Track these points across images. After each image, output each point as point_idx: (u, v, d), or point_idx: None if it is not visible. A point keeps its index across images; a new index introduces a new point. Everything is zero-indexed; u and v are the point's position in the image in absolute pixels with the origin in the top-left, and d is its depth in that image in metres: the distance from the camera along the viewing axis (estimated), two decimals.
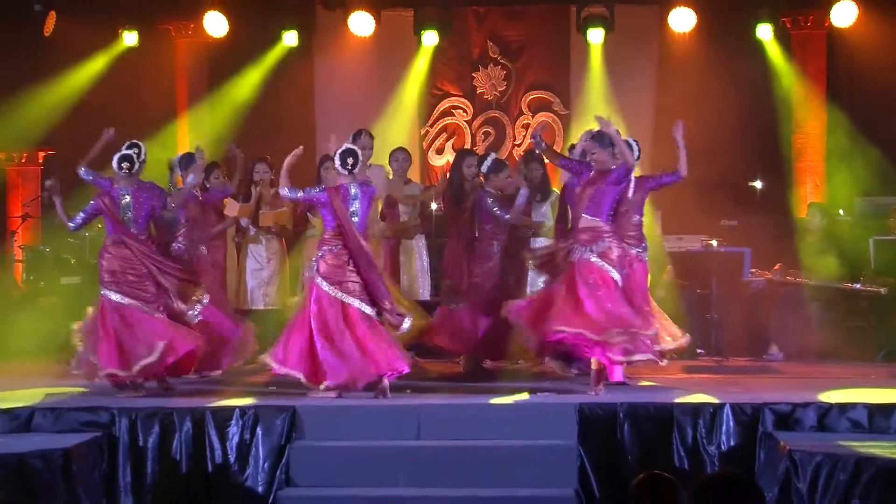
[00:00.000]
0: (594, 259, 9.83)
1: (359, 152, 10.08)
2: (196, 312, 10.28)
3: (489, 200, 11.16)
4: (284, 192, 10.13)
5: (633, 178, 10.15)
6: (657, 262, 12.44)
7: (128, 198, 10.34)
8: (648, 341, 9.74)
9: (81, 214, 10.60)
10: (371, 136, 11.79)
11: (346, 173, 9.97)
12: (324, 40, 15.77)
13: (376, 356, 9.74)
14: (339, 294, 9.83)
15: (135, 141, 10.69)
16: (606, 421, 9.04)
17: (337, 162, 10.01)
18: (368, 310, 9.84)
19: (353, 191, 9.94)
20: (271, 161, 12.52)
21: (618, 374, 10.06)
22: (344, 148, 10.06)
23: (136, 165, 10.43)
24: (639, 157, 10.52)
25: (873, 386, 10.20)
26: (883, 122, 14.92)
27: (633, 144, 10.37)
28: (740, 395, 9.48)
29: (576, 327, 9.67)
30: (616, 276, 9.84)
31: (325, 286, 9.86)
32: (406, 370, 9.90)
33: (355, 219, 9.91)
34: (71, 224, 10.73)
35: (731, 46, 14.87)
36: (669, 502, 5.49)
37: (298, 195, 10.09)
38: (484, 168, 11.33)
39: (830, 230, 13.20)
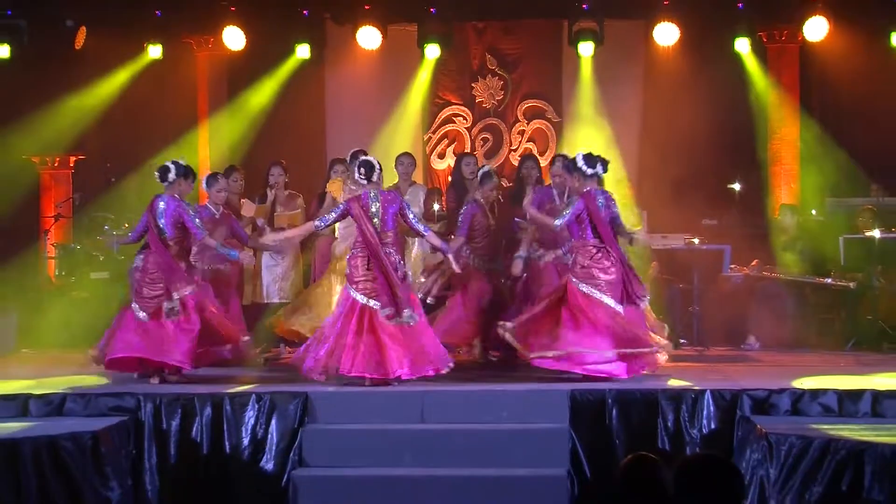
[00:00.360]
0: (579, 284, 9.88)
1: (374, 162, 10.08)
2: (165, 312, 10.24)
3: (463, 209, 11.25)
4: (319, 224, 10.28)
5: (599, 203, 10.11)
6: (643, 259, 12.49)
7: (162, 205, 10.34)
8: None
9: (137, 227, 10.65)
10: (347, 166, 11.74)
11: (366, 182, 9.99)
12: (334, 53, 15.75)
13: (358, 355, 9.69)
14: (354, 293, 9.85)
15: (179, 161, 10.65)
16: (596, 406, 9.06)
17: (356, 175, 10.05)
18: (376, 306, 9.83)
19: (372, 194, 9.95)
20: (286, 164, 12.53)
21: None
22: (360, 161, 10.12)
23: (171, 174, 10.39)
24: (605, 171, 10.39)
25: (843, 373, 10.21)
26: (852, 128, 14.92)
27: (598, 163, 10.27)
28: (720, 382, 9.49)
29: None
30: (600, 296, 9.87)
31: (347, 286, 9.92)
32: (401, 375, 9.72)
33: (376, 220, 9.91)
34: (130, 236, 10.90)
35: (712, 59, 14.85)
36: (654, 482, 5.49)
37: (332, 216, 10.21)
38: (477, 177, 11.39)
39: (804, 229, 13.23)
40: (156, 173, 10.49)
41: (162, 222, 10.31)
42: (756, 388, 9.04)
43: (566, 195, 10.79)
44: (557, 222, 10.01)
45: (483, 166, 11.86)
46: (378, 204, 9.92)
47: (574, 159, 10.16)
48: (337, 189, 11.70)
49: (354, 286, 9.86)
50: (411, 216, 10.10)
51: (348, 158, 11.69)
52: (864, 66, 14.53)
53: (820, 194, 14.49)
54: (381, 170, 10.11)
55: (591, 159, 10.13)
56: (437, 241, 10.33)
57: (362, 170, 10.00)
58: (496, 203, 11.37)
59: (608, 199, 10.18)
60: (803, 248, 12.82)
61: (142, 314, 10.16)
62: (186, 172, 10.55)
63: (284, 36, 15.00)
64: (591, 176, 10.08)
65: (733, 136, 15.18)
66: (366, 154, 11.58)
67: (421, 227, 10.17)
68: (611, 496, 8.12)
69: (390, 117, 15.51)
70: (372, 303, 9.79)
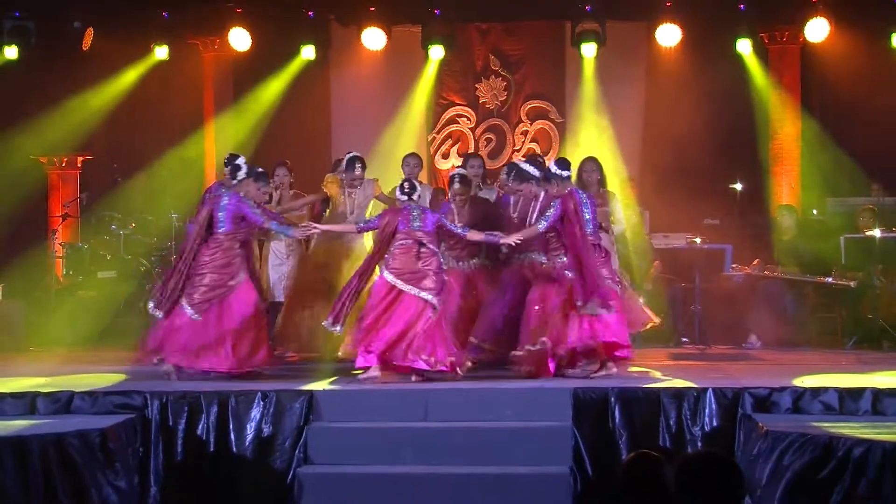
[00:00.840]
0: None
1: (415, 183, 10.37)
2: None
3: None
4: (360, 227, 10.48)
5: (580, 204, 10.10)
6: (644, 258, 12.50)
7: (225, 200, 10.28)
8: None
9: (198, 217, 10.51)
10: (364, 164, 11.67)
11: (406, 199, 10.12)
12: (339, 54, 15.78)
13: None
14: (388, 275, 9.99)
15: (234, 153, 10.63)
16: (599, 404, 9.04)
17: (398, 193, 10.25)
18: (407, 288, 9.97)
19: (414, 213, 10.03)
20: (291, 165, 12.51)
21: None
22: (405, 179, 10.39)
23: (240, 173, 10.31)
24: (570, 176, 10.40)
25: (843, 371, 10.20)
26: (852, 128, 14.94)
27: (569, 164, 10.33)
28: (722, 381, 9.47)
29: None
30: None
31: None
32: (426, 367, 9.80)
33: (418, 221, 9.98)
34: (191, 227, 10.76)
35: (714, 59, 14.87)
36: (656, 479, 5.50)
37: (373, 222, 10.29)
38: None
39: (804, 228, 13.22)
40: (225, 167, 10.40)
41: (220, 216, 10.23)
42: (757, 387, 9.03)
43: (520, 202, 10.76)
44: (540, 227, 10.04)
45: (457, 170, 11.75)
46: (418, 211, 10.06)
47: (547, 169, 10.28)
48: (333, 187, 11.64)
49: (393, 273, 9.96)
50: (449, 226, 10.23)
51: (344, 162, 11.59)
52: (864, 66, 14.55)
53: (821, 194, 14.51)
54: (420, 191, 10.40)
55: (563, 163, 10.29)
56: (480, 236, 10.37)
57: (406, 186, 10.21)
58: (468, 205, 11.17)
59: (589, 196, 10.27)
60: (803, 247, 12.81)
61: (188, 310, 10.12)
62: (258, 176, 10.50)
63: (290, 37, 15.02)
64: (567, 178, 10.18)
65: (735, 136, 15.20)
66: (361, 158, 11.51)
67: (460, 230, 10.25)
68: (613, 494, 8.15)
69: (395, 118, 15.54)
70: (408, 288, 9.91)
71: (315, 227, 10.79)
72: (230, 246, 10.25)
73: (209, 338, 10.02)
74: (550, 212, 10.02)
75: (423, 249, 9.95)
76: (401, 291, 9.86)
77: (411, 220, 10.01)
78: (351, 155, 11.57)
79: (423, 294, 9.84)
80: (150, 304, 10.25)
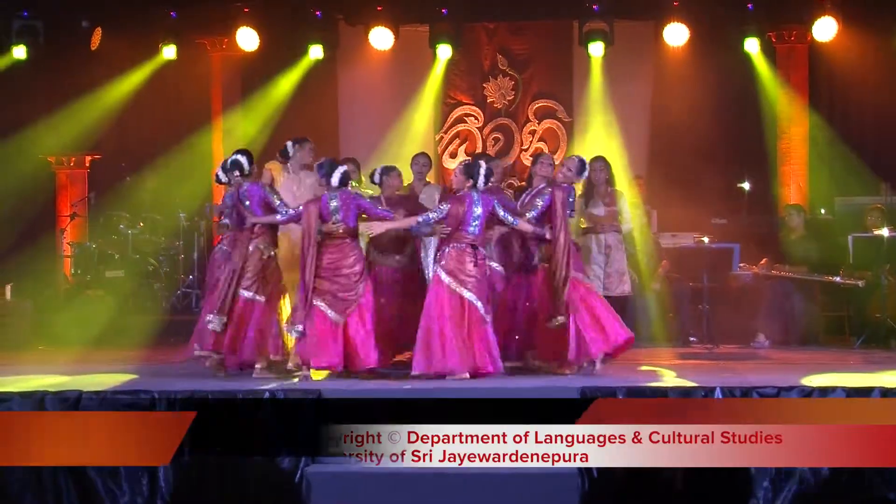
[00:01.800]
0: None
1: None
2: None
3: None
4: (422, 220, 10.07)
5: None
6: (652, 257, 12.49)
7: (335, 202, 9.96)
8: None
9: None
10: (357, 165, 11.53)
11: (484, 185, 10.02)
12: (347, 54, 15.77)
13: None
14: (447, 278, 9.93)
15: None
16: None
17: (482, 180, 9.97)
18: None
19: (475, 210, 9.90)
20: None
21: None
22: (486, 167, 10.07)
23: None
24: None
25: (851, 371, 10.19)
26: (860, 127, 14.93)
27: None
28: (729, 380, 9.44)
29: None
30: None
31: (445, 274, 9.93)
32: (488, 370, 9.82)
33: (476, 222, 9.89)
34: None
35: (722, 59, 14.86)
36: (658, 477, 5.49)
37: (433, 216, 10.05)
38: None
39: (812, 228, 13.21)
40: (339, 174, 9.98)
41: (339, 217, 10.01)
42: (765, 386, 8.97)
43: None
44: (530, 215, 10.05)
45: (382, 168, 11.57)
46: (478, 207, 9.91)
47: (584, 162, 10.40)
48: (276, 167, 11.33)
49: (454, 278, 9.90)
50: (502, 213, 10.05)
51: (291, 146, 11.09)
52: (873, 65, 14.56)
53: (829, 193, 14.49)
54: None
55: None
56: (529, 227, 10.27)
57: (491, 176, 10.08)
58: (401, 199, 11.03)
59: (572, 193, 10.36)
60: (811, 247, 12.80)
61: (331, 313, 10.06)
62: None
63: (297, 37, 15.03)
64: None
65: (743, 135, 15.19)
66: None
67: (511, 219, 10.13)
68: (620, 492, 8.13)
69: (402, 117, 15.55)
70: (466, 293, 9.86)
71: (379, 227, 10.28)
72: (351, 243, 10.13)
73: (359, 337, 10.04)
74: (539, 201, 10.02)
75: (476, 252, 9.91)
76: (462, 298, 9.78)
77: (470, 219, 9.87)
78: (297, 137, 11.25)
79: (480, 307, 9.80)
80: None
